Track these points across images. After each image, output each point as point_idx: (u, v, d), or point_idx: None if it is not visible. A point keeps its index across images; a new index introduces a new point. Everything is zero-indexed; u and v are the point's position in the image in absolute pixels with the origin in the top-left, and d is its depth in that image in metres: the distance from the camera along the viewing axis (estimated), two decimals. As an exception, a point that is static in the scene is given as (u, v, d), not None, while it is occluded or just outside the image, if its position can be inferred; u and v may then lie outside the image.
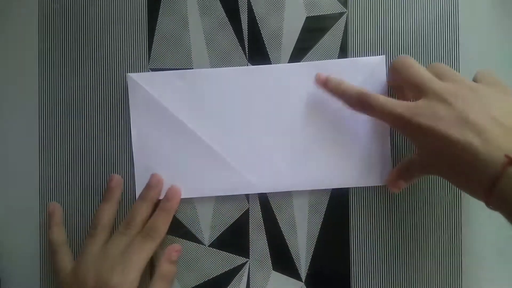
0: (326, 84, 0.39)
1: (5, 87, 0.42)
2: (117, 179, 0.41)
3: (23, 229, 0.41)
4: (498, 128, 0.31)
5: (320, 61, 0.41)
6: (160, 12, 0.42)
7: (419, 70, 0.35)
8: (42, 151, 0.42)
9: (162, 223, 0.39)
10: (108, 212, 0.40)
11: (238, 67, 0.41)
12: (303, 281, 0.41)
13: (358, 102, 0.36)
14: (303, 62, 0.41)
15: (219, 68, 0.41)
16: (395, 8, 0.41)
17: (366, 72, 0.40)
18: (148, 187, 0.40)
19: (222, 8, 0.41)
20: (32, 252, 0.41)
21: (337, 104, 0.39)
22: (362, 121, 0.40)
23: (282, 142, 0.40)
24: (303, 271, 0.41)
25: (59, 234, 0.40)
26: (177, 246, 0.40)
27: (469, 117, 0.31)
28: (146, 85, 0.41)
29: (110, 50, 0.41)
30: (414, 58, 0.41)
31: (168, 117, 0.40)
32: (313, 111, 0.40)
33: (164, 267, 0.40)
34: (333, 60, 0.41)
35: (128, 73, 0.41)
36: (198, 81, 0.41)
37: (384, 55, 0.41)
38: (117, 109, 0.41)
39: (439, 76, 0.35)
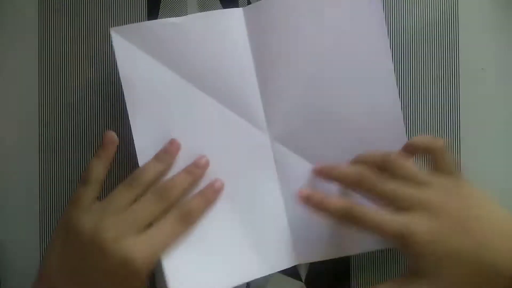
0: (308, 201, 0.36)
1: (5, 81, 0.42)
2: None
3: (23, 229, 0.41)
4: (501, 239, 0.31)
5: None
6: (160, 12, 0.42)
7: (392, 183, 0.34)
8: (42, 149, 0.42)
9: (198, 207, 0.37)
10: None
11: (233, 8, 0.39)
12: (303, 281, 0.41)
13: (343, 216, 0.34)
14: None
15: (211, 11, 0.39)
16: (395, 8, 0.41)
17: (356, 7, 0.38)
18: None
19: (222, 8, 0.41)
20: (32, 252, 0.41)
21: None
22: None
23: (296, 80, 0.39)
24: (303, 271, 0.41)
25: (101, 171, 0.37)
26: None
27: (473, 229, 0.31)
28: (131, 40, 0.38)
29: (110, 50, 0.41)
30: (414, 58, 0.41)
31: (164, 75, 0.38)
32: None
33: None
34: None
35: (111, 28, 0.38)
36: (189, 29, 0.38)
37: None
38: (117, 108, 0.41)
39: (408, 180, 0.33)
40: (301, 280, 0.41)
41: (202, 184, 0.38)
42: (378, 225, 0.32)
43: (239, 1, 0.41)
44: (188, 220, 0.36)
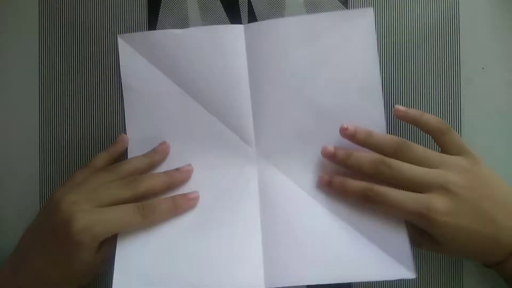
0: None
1: (5, 70, 0.42)
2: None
3: (23, 226, 0.41)
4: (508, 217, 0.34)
5: (302, 15, 0.40)
6: (160, 12, 0.42)
7: (408, 167, 0.35)
8: (42, 149, 0.42)
9: (164, 209, 0.36)
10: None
11: (235, 24, 0.40)
12: (304, 281, 0.41)
13: (364, 196, 0.35)
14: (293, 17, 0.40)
15: (215, 26, 0.40)
16: (395, 8, 0.41)
17: (354, 24, 0.39)
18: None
19: (222, 8, 0.41)
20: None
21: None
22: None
23: (289, 107, 0.39)
24: (303, 271, 0.41)
25: (102, 160, 0.39)
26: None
27: (484, 209, 0.34)
28: (136, 47, 0.40)
29: (110, 50, 0.41)
30: (415, 58, 0.41)
31: (162, 83, 0.40)
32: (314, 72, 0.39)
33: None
34: (316, 14, 0.40)
35: (118, 35, 0.40)
36: (191, 40, 0.39)
37: (372, 7, 0.40)
38: (117, 113, 0.41)
39: (421, 163, 0.35)
40: (301, 280, 0.41)
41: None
42: (399, 203, 0.34)
43: (239, 1, 0.41)
44: (147, 214, 0.35)
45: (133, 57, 0.40)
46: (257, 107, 0.39)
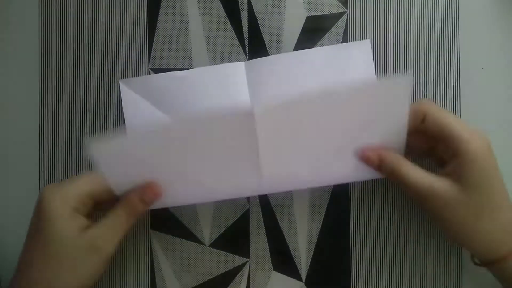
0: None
1: (6, 89, 0.42)
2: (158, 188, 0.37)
3: (23, 228, 0.41)
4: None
5: (301, 50, 0.41)
6: (160, 12, 0.42)
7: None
8: (42, 159, 0.42)
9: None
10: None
11: (235, 62, 0.41)
12: (304, 281, 0.41)
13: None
14: (291, 52, 0.41)
15: (215, 65, 0.41)
16: (396, 8, 0.41)
17: (352, 57, 0.40)
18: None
19: (222, 8, 0.42)
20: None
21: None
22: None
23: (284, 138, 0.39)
24: (303, 271, 0.41)
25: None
26: (158, 189, 0.36)
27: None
28: (138, 91, 0.41)
29: (110, 50, 0.42)
30: (414, 58, 0.41)
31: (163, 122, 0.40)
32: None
33: (134, 200, 0.35)
34: (315, 48, 0.41)
35: (120, 80, 0.41)
36: (193, 81, 0.40)
37: (369, 39, 0.41)
38: (116, 110, 0.41)
39: None
40: (301, 280, 0.41)
41: None
42: (442, 125, 0.34)
43: (239, 2, 0.41)
44: None
45: (136, 101, 0.40)
46: (263, 142, 0.39)
